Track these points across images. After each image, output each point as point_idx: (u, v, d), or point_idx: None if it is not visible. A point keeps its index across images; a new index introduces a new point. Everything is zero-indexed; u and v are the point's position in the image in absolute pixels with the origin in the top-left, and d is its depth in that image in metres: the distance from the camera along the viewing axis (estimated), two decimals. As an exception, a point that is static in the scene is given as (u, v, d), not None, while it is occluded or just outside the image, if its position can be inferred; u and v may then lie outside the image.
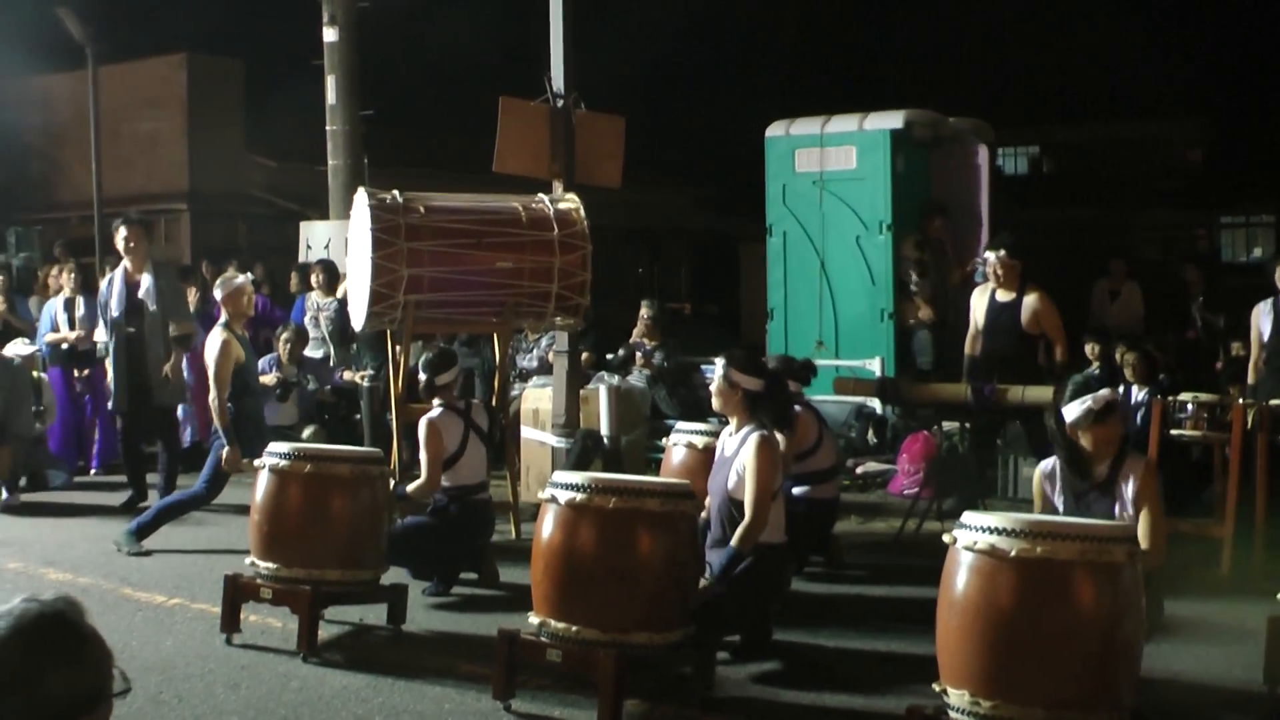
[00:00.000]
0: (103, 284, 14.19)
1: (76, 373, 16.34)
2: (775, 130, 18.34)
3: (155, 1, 31.18)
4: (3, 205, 27.81)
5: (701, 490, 8.47)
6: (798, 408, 10.94)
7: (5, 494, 14.05)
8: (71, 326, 16.06)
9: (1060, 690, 6.09)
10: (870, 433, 16.20)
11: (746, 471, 8.23)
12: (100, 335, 14.59)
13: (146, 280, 13.65)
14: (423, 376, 10.65)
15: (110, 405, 14.25)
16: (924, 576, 8.24)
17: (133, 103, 28.54)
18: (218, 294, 11.65)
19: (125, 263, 13.76)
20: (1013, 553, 6.14)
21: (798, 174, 17.92)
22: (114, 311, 13.76)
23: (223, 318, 11.56)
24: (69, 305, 16.19)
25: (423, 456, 10.28)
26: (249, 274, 12.43)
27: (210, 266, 19.84)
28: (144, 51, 29.26)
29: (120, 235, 13.75)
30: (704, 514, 8.45)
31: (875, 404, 15.96)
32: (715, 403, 8.67)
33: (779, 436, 8.62)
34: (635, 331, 16.65)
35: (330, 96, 18.99)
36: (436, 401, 10.52)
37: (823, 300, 17.62)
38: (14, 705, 3.05)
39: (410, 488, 10.32)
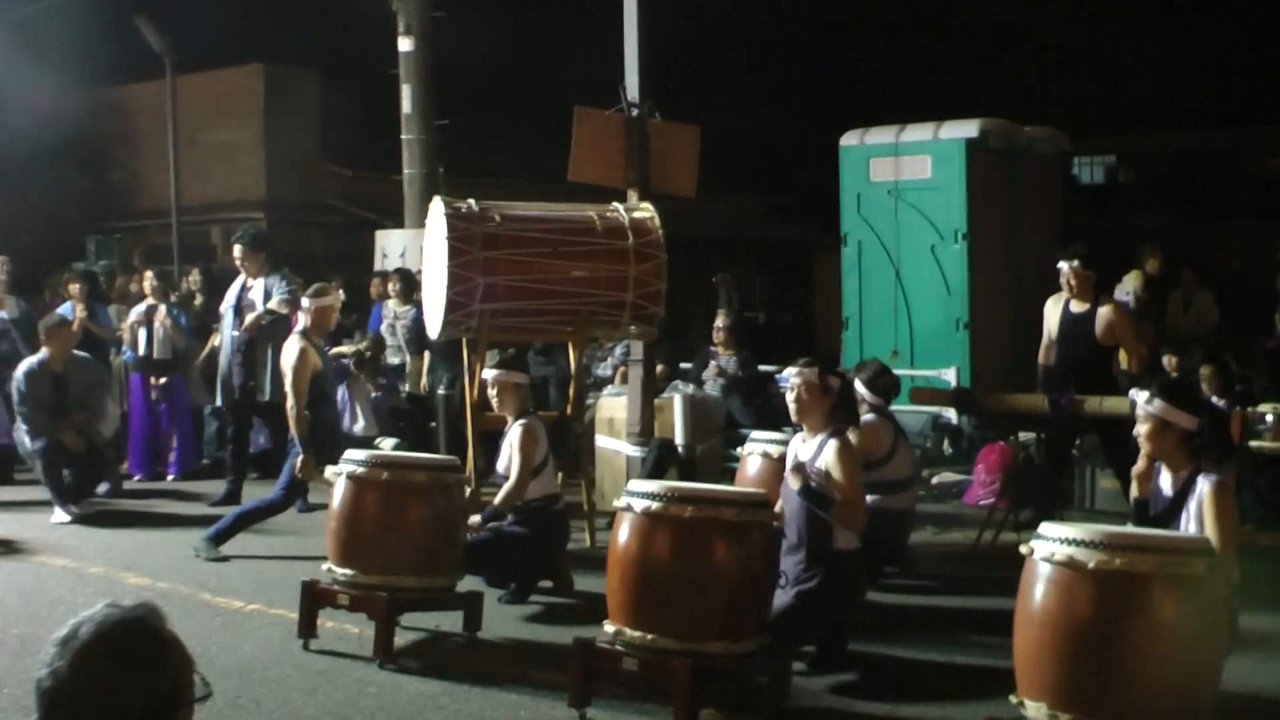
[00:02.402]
0: (231, 289, 14.80)
1: (153, 380, 16.51)
2: (850, 139, 18.34)
3: (232, 12, 31.38)
4: (83, 213, 28.09)
5: (777, 499, 8.46)
6: (873, 415, 10.93)
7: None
8: (150, 334, 16.30)
9: (1138, 704, 6.03)
10: (946, 443, 16.14)
11: (831, 475, 8.22)
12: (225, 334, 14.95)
13: (259, 286, 14.21)
14: (491, 374, 10.62)
15: (218, 402, 14.63)
16: (1000, 587, 8.20)
17: (210, 112, 28.77)
18: (305, 303, 11.72)
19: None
20: (1091, 564, 6.09)
21: (872, 183, 17.90)
22: (228, 315, 14.45)
23: (300, 325, 11.63)
24: (150, 312, 16.40)
25: (515, 461, 10.19)
26: (340, 290, 12.69)
27: (290, 273, 19.92)
28: (221, 61, 29.48)
29: (234, 253, 14.70)
30: (777, 523, 8.43)
31: (951, 414, 15.88)
32: (795, 408, 8.62)
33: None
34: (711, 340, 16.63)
35: (405, 106, 19.08)
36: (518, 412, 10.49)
37: (898, 310, 17.59)
38: (95, 710, 3.11)
39: (498, 497, 10.28)
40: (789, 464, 8.66)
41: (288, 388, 11.36)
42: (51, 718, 3.15)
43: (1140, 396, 7.34)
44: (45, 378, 14.09)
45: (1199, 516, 7.03)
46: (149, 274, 16.98)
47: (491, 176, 27.38)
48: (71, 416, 14.04)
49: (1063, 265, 12.83)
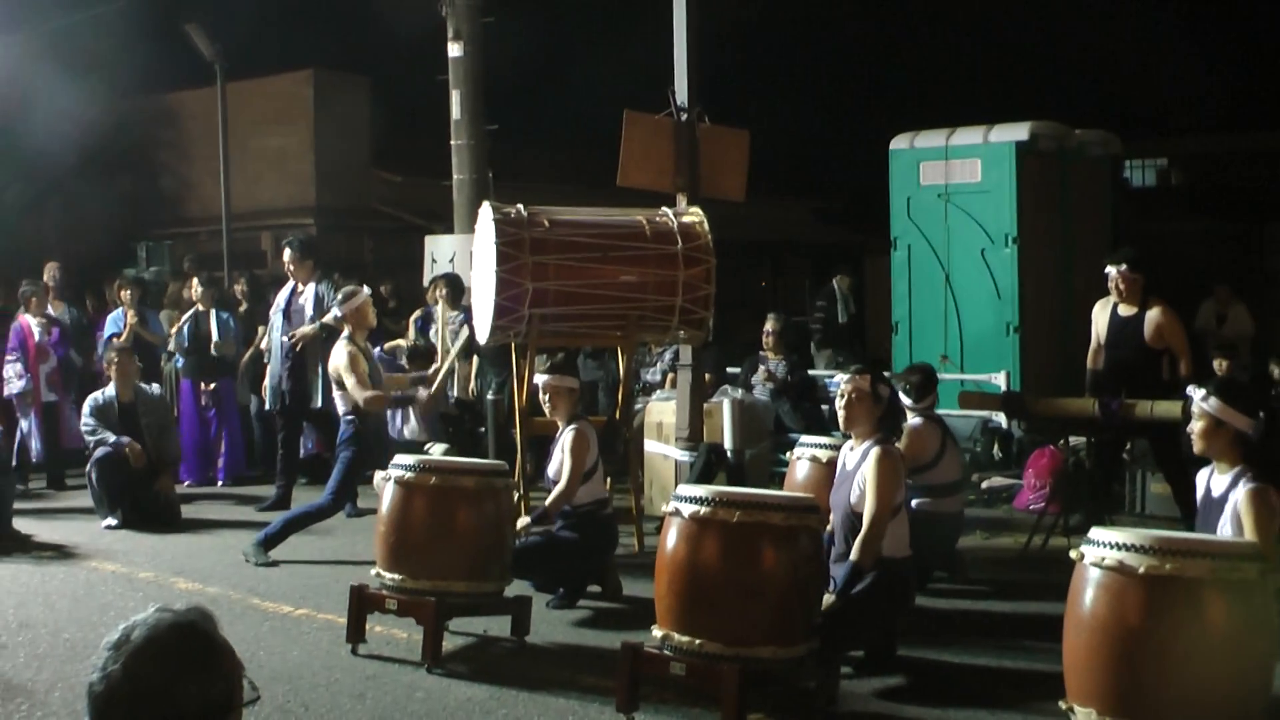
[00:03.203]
0: (280, 294, 14.90)
1: (204, 385, 16.61)
2: (899, 143, 18.28)
3: (282, 18, 31.49)
4: (134, 220, 28.20)
5: (826, 504, 8.43)
6: (919, 419, 10.90)
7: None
8: (202, 340, 16.43)
9: (1189, 710, 6.00)
10: (995, 447, 16.06)
11: (867, 484, 8.22)
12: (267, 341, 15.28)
13: (309, 292, 14.31)
14: (543, 379, 10.66)
15: (267, 406, 14.91)
16: (1050, 592, 8.17)
17: (260, 118, 28.79)
18: (338, 311, 11.79)
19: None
20: (1141, 569, 6.07)
21: (922, 187, 17.84)
22: (277, 320, 14.56)
23: (346, 330, 11.68)
24: (201, 319, 16.52)
25: (565, 465, 10.19)
26: (365, 287, 12.79)
27: (340, 279, 20.02)
28: (271, 68, 29.52)
29: (284, 257, 14.72)
30: (828, 528, 8.41)
31: (1000, 418, 15.80)
32: (844, 415, 8.60)
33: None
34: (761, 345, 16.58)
35: (455, 111, 19.06)
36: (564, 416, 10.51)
37: (948, 314, 17.51)
38: (149, 714, 3.13)
39: (548, 500, 10.26)
40: (838, 477, 8.66)
41: (344, 376, 11.39)
42: None
43: (1197, 394, 7.29)
44: (111, 409, 14.16)
45: (1235, 519, 6.97)
46: (196, 280, 17.10)
47: (541, 181, 27.35)
48: (162, 481, 14.16)
49: (1110, 269, 12.77)
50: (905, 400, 10.82)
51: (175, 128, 30.16)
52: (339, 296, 11.96)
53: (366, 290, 12.17)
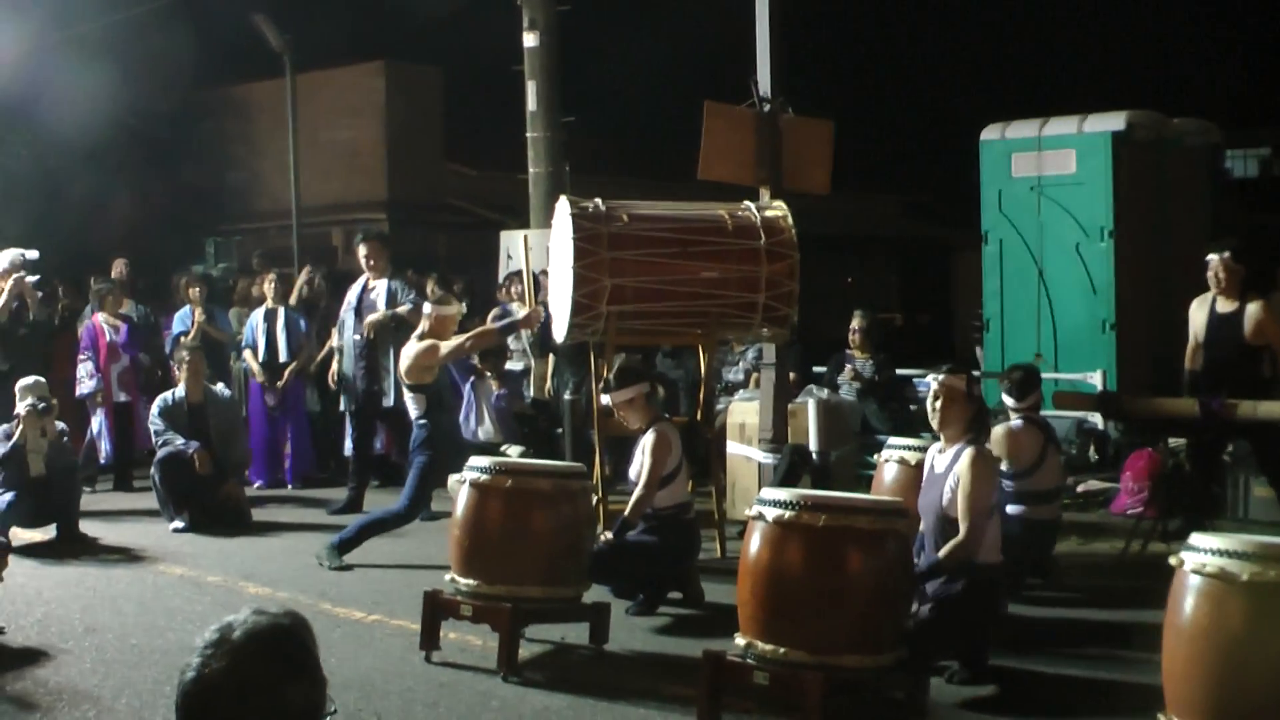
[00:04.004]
0: (351, 291, 14.83)
1: (274, 385, 16.47)
2: (990, 133, 18.10)
3: (353, 9, 31.48)
4: (201, 215, 28.25)
5: (914, 508, 8.23)
6: (1019, 421, 10.71)
7: None
8: (271, 337, 16.34)
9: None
10: (1091, 449, 15.79)
11: (960, 486, 8.06)
12: (335, 340, 15.31)
13: (380, 288, 14.31)
14: (607, 400, 10.48)
15: (341, 407, 15.00)
16: (1148, 600, 7.90)
17: (331, 111, 28.73)
18: (427, 308, 11.61)
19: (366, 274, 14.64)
20: (1245, 576, 5.93)
21: (1014, 179, 17.67)
22: (348, 318, 14.53)
23: (421, 328, 11.48)
24: (270, 316, 16.44)
25: (644, 468, 9.98)
26: (463, 305, 12.65)
27: (415, 276, 19.86)
28: (342, 60, 29.56)
29: (360, 252, 14.64)
30: (918, 532, 8.20)
31: (1097, 419, 15.49)
32: (937, 416, 8.39)
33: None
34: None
35: (530, 103, 18.96)
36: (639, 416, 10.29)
37: (1041, 310, 17.34)
38: (259, 707, 3.14)
39: (628, 507, 10.04)
40: (926, 479, 8.44)
41: (439, 353, 11.25)
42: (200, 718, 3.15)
43: None
44: (181, 409, 14.08)
45: None
46: (270, 277, 16.96)
47: (618, 175, 27.23)
48: (230, 485, 14.04)
49: (1212, 257, 12.44)
50: (1007, 400, 10.67)
51: (243, 120, 30.21)
52: (433, 298, 11.85)
53: (458, 306, 12.02)
